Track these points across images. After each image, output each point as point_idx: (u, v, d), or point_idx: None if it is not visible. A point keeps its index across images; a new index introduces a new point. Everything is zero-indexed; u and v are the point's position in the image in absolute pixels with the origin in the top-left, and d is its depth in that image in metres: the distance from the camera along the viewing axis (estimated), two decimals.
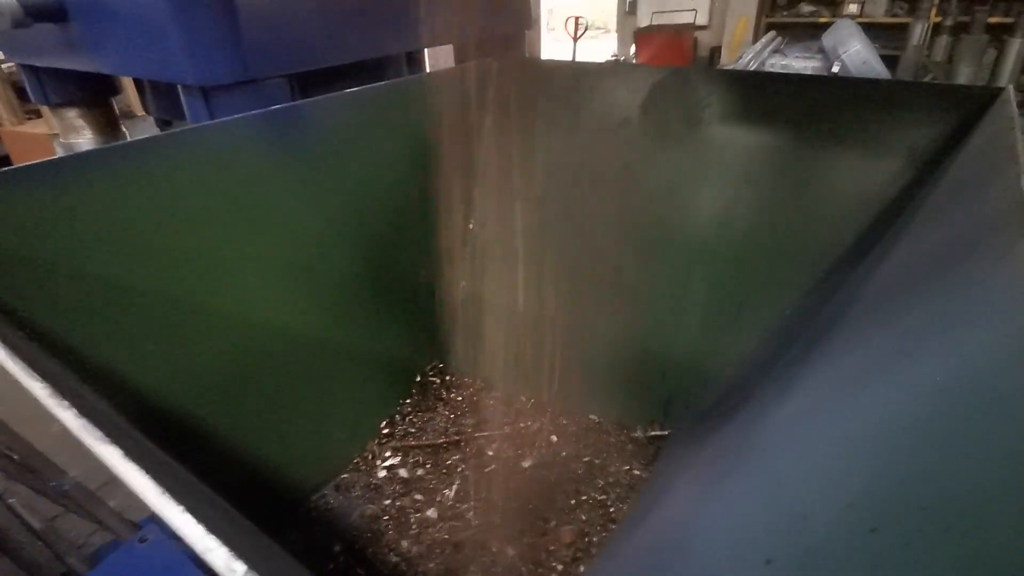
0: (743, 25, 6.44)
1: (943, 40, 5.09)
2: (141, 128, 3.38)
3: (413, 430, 1.86)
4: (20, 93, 4.24)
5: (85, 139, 2.12)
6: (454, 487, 1.66)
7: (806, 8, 6.28)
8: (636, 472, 1.69)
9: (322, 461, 1.68)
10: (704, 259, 1.66)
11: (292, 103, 1.46)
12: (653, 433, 1.80)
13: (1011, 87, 1.23)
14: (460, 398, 1.98)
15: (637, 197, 1.74)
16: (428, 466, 1.73)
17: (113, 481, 0.48)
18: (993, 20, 4.90)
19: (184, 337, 1.25)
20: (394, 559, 1.47)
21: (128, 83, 3.70)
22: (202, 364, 1.29)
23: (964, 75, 4.79)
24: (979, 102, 1.27)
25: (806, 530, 0.53)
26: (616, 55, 7.73)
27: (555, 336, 1.91)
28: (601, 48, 10.02)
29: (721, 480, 0.86)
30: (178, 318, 1.22)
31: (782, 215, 1.53)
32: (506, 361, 2.01)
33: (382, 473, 1.70)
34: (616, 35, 8.15)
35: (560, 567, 1.44)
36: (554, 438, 1.82)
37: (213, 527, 0.40)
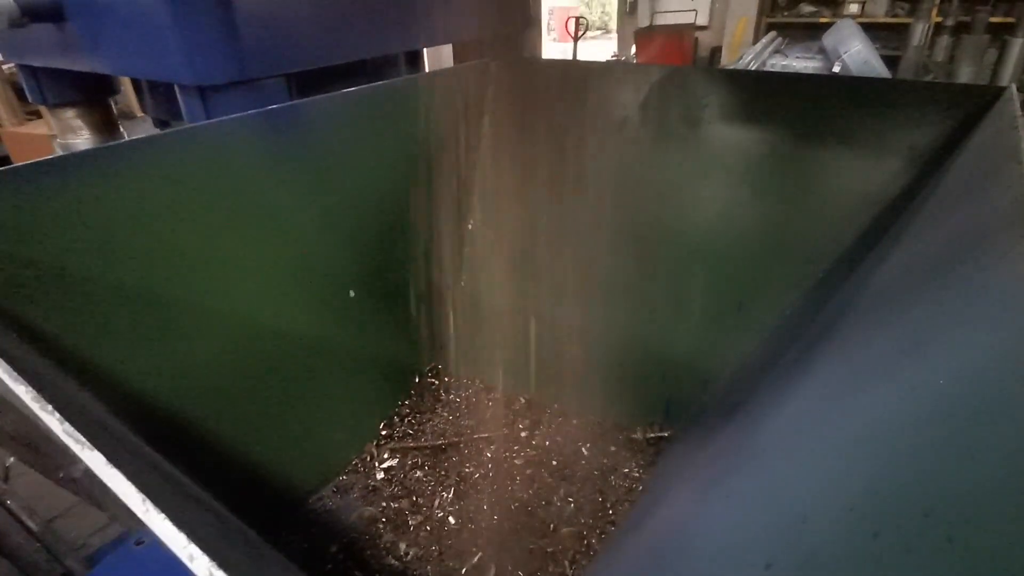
0: (743, 25, 6.44)
1: (944, 40, 5.09)
2: (140, 129, 3.37)
3: (412, 432, 1.85)
4: (20, 94, 4.24)
5: (83, 139, 2.11)
6: (452, 489, 1.65)
7: (806, 8, 6.28)
8: (636, 473, 1.68)
9: (320, 463, 1.67)
10: (704, 259, 1.65)
11: (290, 103, 1.45)
12: (653, 434, 1.79)
13: (1013, 86, 1.22)
14: (459, 399, 1.98)
15: (637, 197, 1.73)
16: (427, 468, 1.72)
17: None
18: (994, 20, 4.89)
19: (181, 338, 1.24)
20: (392, 561, 1.46)
21: (127, 83, 3.70)
22: (199, 365, 1.28)
23: (965, 75, 4.79)
24: (981, 101, 1.26)
25: (807, 533, 0.52)
26: (616, 55, 7.73)
27: (554, 337, 1.91)
28: (601, 48, 10.02)
29: (721, 481, 0.85)
30: (175, 319, 1.22)
31: (782, 215, 1.52)
32: (505, 362, 2.01)
33: (380, 475, 1.70)
34: (616, 35, 8.14)
35: (559, 569, 1.43)
36: (554, 439, 1.81)
37: (196, 535, 0.40)
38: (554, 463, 1.72)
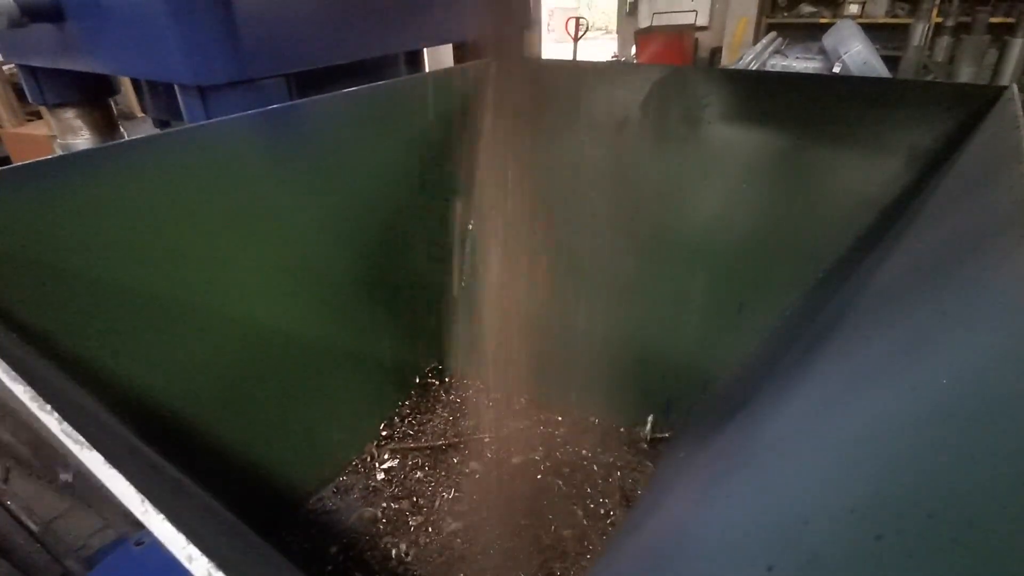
0: (743, 26, 6.44)
1: (944, 40, 5.09)
2: (140, 129, 3.37)
3: (412, 432, 1.85)
4: (20, 94, 4.24)
5: (83, 140, 2.11)
6: (453, 489, 1.65)
7: (807, 9, 6.28)
8: (636, 474, 1.68)
9: (320, 463, 1.67)
10: (704, 259, 1.65)
11: (290, 103, 1.45)
12: (653, 435, 1.78)
13: (1014, 86, 1.22)
14: (459, 400, 1.97)
15: (637, 197, 1.73)
16: (427, 468, 1.72)
17: None
18: (994, 20, 4.89)
19: (181, 338, 1.24)
20: (392, 562, 1.46)
21: (127, 84, 3.70)
22: (199, 365, 1.28)
23: (965, 75, 4.79)
24: (982, 101, 1.26)
25: (808, 535, 0.52)
26: (617, 56, 7.73)
27: (555, 337, 1.90)
28: (602, 49, 10.02)
29: (721, 483, 0.85)
30: (175, 319, 1.22)
31: (783, 215, 1.52)
32: (505, 362, 2.01)
33: (381, 475, 1.69)
34: (617, 36, 8.15)
35: (559, 569, 1.43)
36: (554, 439, 1.81)
37: (195, 535, 0.39)
38: (554, 464, 1.72)
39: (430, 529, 1.53)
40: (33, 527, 1.38)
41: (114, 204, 1.07)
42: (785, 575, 0.49)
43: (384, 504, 1.61)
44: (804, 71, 4.39)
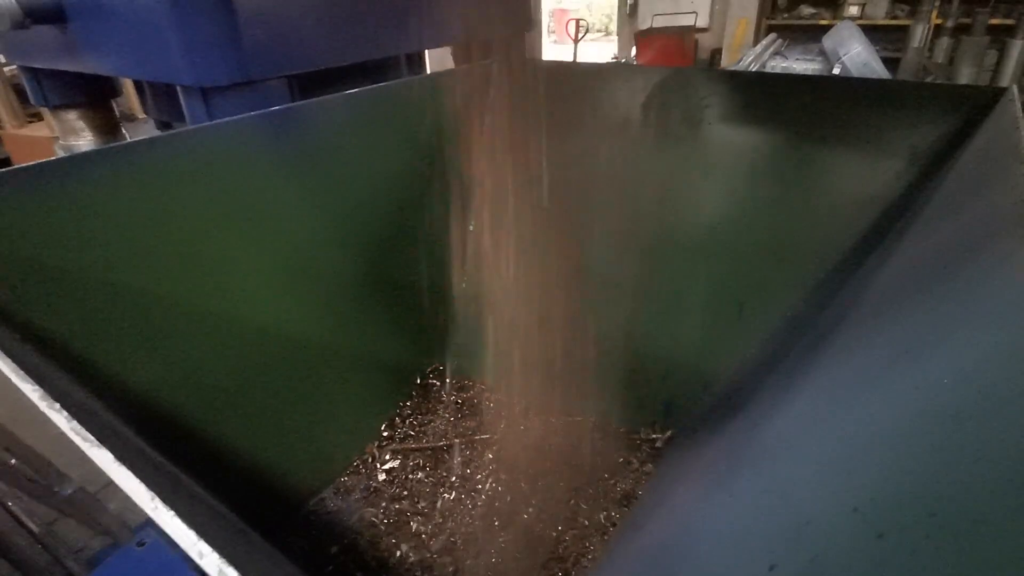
0: (743, 27, 6.45)
1: (944, 42, 5.10)
2: (142, 131, 3.37)
3: (413, 433, 1.85)
4: (21, 96, 4.24)
5: (85, 141, 2.11)
6: (454, 490, 1.65)
7: (806, 10, 6.28)
8: (637, 475, 1.68)
9: (321, 464, 1.67)
10: (705, 260, 1.65)
11: (291, 104, 1.45)
12: (654, 435, 1.79)
13: (1014, 87, 1.22)
14: (460, 400, 1.97)
15: (638, 198, 1.73)
16: (428, 469, 1.72)
17: (114, 484, 0.47)
18: (994, 22, 4.90)
19: (182, 339, 1.24)
20: (393, 563, 1.46)
21: (129, 85, 3.70)
22: (200, 366, 1.28)
23: (965, 77, 4.80)
24: (982, 102, 1.26)
25: (810, 535, 0.52)
26: (617, 57, 7.74)
27: (556, 338, 1.90)
28: (602, 51, 10.03)
29: (723, 483, 0.85)
30: (175, 320, 1.22)
31: (784, 216, 1.52)
32: (506, 363, 2.01)
33: (382, 476, 1.69)
34: (617, 37, 8.15)
35: (560, 570, 1.43)
36: (555, 440, 1.81)
37: (206, 532, 0.40)
38: (555, 464, 1.72)
39: (431, 530, 1.54)
40: (35, 528, 1.38)
41: (116, 205, 1.08)
42: (787, 574, 0.49)
43: (385, 505, 1.61)
44: (804, 72, 4.39)
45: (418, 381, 2.02)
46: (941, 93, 1.32)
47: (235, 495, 1.17)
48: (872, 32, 4.88)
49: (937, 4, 4.91)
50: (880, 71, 4.07)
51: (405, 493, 1.64)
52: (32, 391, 0.51)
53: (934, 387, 0.57)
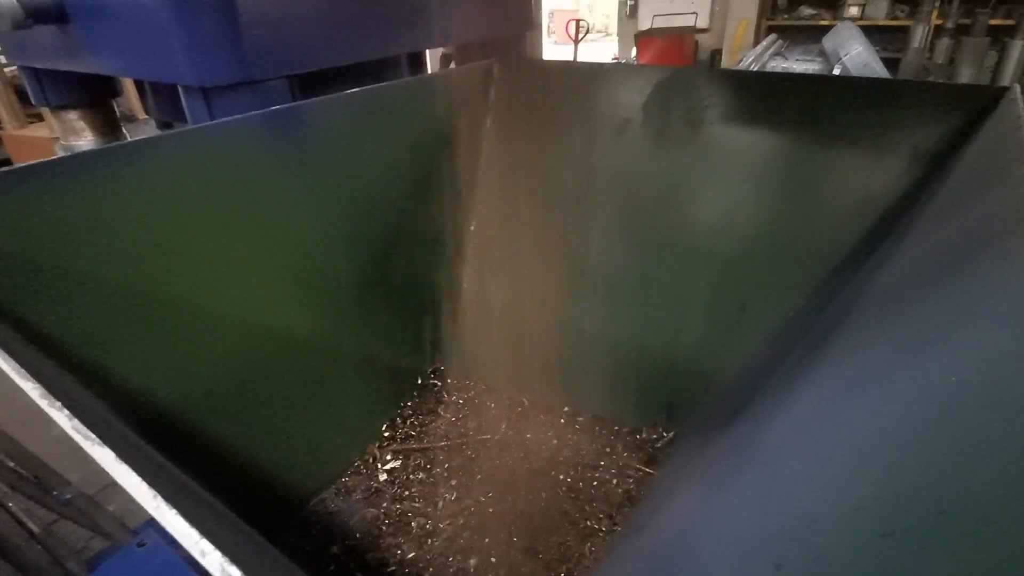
0: (743, 28, 6.44)
1: (944, 42, 5.10)
2: (142, 132, 3.37)
3: (414, 433, 1.85)
4: (22, 97, 4.24)
5: (86, 141, 2.11)
6: (455, 491, 1.64)
7: (806, 11, 6.28)
8: (640, 475, 1.67)
9: (322, 464, 1.67)
10: (707, 260, 1.64)
11: (293, 104, 1.45)
12: (657, 435, 1.78)
13: (1017, 86, 1.22)
14: (461, 401, 1.97)
15: (639, 198, 1.73)
16: (429, 469, 1.72)
17: (113, 486, 0.47)
18: (994, 22, 4.90)
19: (183, 339, 1.24)
20: (394, 563, 1.45)
21: (129, 86, 3.70)
22: (202, 367, 1.28)
23: (965, 77, 4.80)
24: (984, 101, 1.26)
25: (816, 534, 0.52)
26: (617, 58, 7.74)
27: (557, 338, 1.90)
28: (602, 51, 10.03)
29: (727, 482, 0.85)
30: (177, 320, 1.22)
31: (786, 216, 1.52)
32: (508, 363, 2.01)
33: (383, 476, 1.69)
34: (617, 38, 8.16)
35: (562, 570, 1.42)
36: (556, 441, 1.81)
37: (208, 531, 0.39)
38: (557, 464, 1.72)
39: (432, 530, 1.53)
40: (35, 529, 1.38)
41: (117, 205, 1.07)
42: (793, 573, 0.49)
43: (386, 505, 1.61)
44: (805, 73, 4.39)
45: (419, 381, 2.02)
46: (943, 93, 1.32)
47: (236, 495, 1.17)
48: (872, 33, 4.87)
49: (937, 5, 4.91)
50: (880, 72, 4.06)
51: (406, 493, 1.64)
52: (33, 389, 0.51)
53: (939, 386, 0.57)
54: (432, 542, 1.50)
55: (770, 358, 1.39)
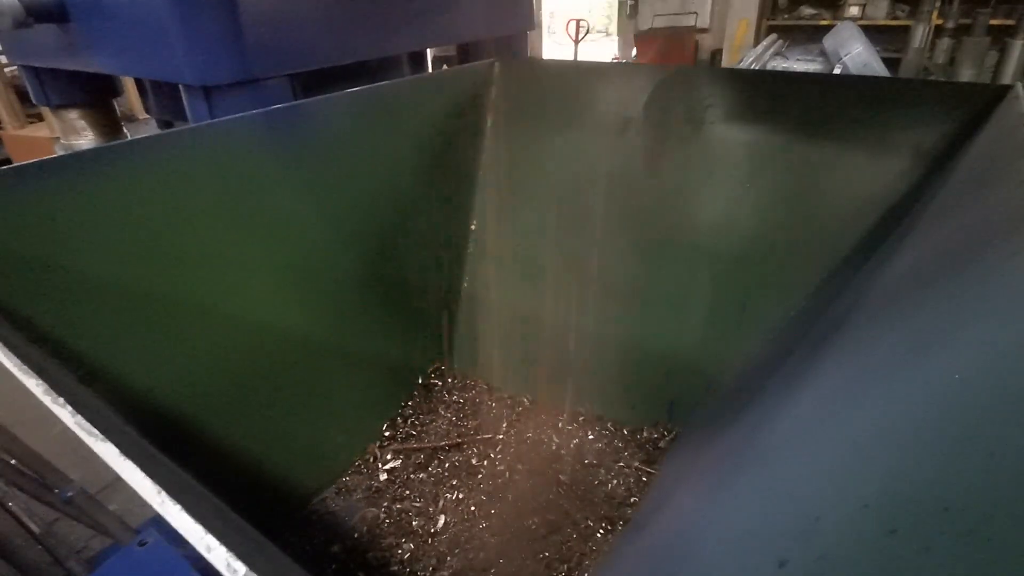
0: (744, 28, 6.45)
1: (944, 42, 5.10)
2: (143, 131, 3.37)
3: (415, 432, 1.85)
4: (22, 96, 4.24)
5: (86, 140, 2.11)
6: (455, 490, 1.64)
7: (807, 11, 6.28)
8: (641, 474, 1.67)
9: (323, 464, 1.67)
10: (708, 260, 1.64)
11: (294, 103, 1.45)
12: (658, 435, 1.78)
13: (1019, 84, 1.22)
14: (462, 400, 1.97)
15: (640, 197, 1.73)
16: (429, 469, 1.72)
17: (114, 485, 0.47)
18: (995, 22, 4.90)
19: (184, 339, 1.24)
20: (394, 562, 1.45)
21: (130, 85, 3.70)
22: (202, 366, 1.28)
23: (966, 77, 4.80)
24: (986, 100, 1.26)
25: (820, 531, 0.52)
26: (617, 58, 7.74)
27: (558, 337, 1.90)
28: (602, 51, 10.04)
29: (729, 481, 0.85)
30: (178, 319, 1.21)
31: (787, 215, 1.52)
32: (508, 363, 2.01)
33: (383, 476, 1.69)
34: (617, 38, 8.16)
35: (564, 569, 1.42)
36: (557, 440, 1.81)
37: (213, 527, 0.39)
38: (558, 464, 1.72)
39: (432, 529, 1.53)
40: (35, 528, 1.38)
41: (118, 204, 1.07)
42: (797, 569, 0.49)
43: (386, 504, 1.60)
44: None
45: (419, 381, 2.02)
46: (945, 91, 1.32)
47: (237, 495, 1.17)
48: (873, 33, 4.88)
49: (938, 5, 4.91)
50: (881, 71, 4.07)
51: (406, 493, 1.64)
52: (36, 386, 0.51)
53: (941, 384, 0.56)
54: (432, 541, 1.50)
55: (771, 357, 1.39)
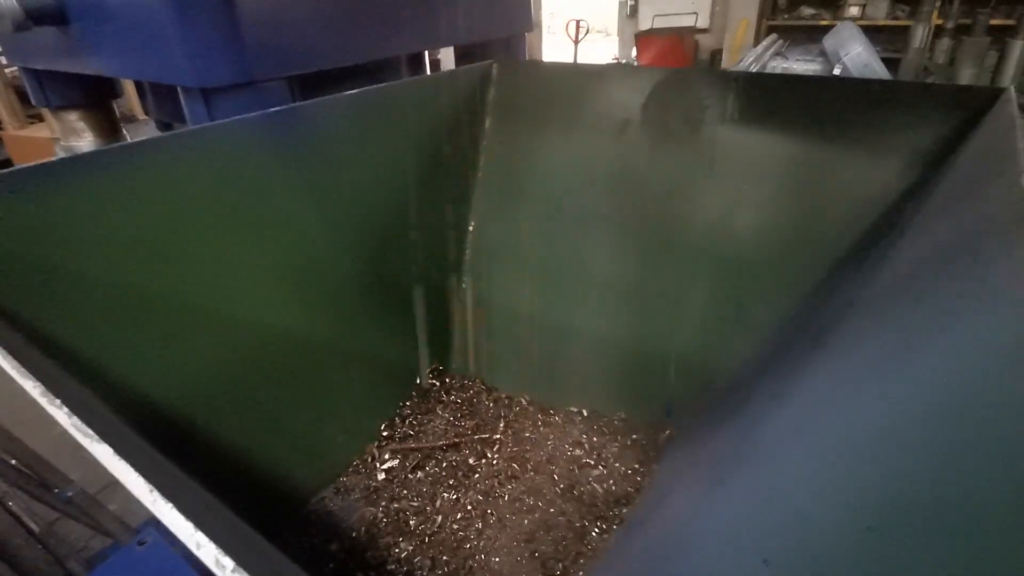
0: (744, 28, 6.45)
1: (944, 42, 5.09)
2: (142, 132, 3.38)
3: (413, 432, 1.85)
4: (22, 97, 4.25)
5: (86, 142, 2.12)
6: (453, 490, 1.65)
7: (807, 11, 6.27)
8: (638, 473, 1.68)
9: (321, 463, 1.68)
10: (706, 259, 1.65)
11: (292, 105, 1.46)
12: (655, 434, 1.79)
13: (1012, 87, 1.23)
14: (459, 400, 1.98)
15: (639, 198, 1.73)
16: (427, 469, 1.72)
17: (113, 485, 0.47)
18: (994, 22, 4.89)
19: (183, 339, 1.24)
20: (392, 561, 1.46)
21: (129, 87, 3.71)
22: (201, 366, 1.29)
23: (966, 77, 4.79)
24: (981, 103, 1.26)
25: (803, 530, 0.52)
26: (617, 58, 7.74)
27: (556, 337, 1.91)
28: (602, 51, 10.04)
29: (721, 480, 0.86)
30: (177, 320, 1.22)
31: (784, 216, 1.53)
32: (506, 363, 2.01)
33: (381, 476, 1.70)
34: (617, 38, 8.16)
35: (560, 568, 1.43)
36: (554, 439, 1.81)
37: (203, 523, 0.40)
38: (556, 463, 1.72)
39: (430, 529, 1.54)
40: (35, 528, 1.38)
41: (117, 206, 1.08)
42: (780, 566, 0.50)
43: (385, 504, 1.61)
44: (805, 73, 4.40)
45: (418, 381, 2.03)
46: (940, 94, 1.32)
47: (236, 494, 1.18)
48: (873, 33, 4.87)
49: (938, 5, 4.90)
50: (881, 72, 4.07)
51: (404, 492, 1.65)
52: (33, 387, 0.51)
53: (930, 384, 0.57)
54: (430, 540, 1.51)
55: (767, 357, 1.40)
